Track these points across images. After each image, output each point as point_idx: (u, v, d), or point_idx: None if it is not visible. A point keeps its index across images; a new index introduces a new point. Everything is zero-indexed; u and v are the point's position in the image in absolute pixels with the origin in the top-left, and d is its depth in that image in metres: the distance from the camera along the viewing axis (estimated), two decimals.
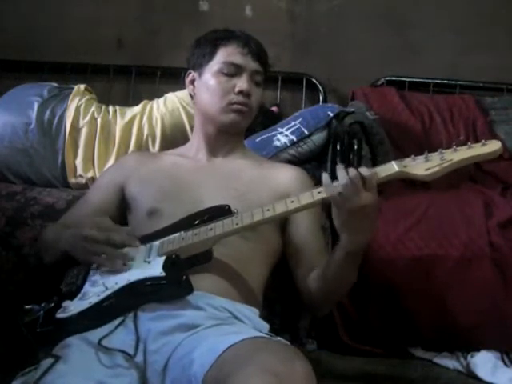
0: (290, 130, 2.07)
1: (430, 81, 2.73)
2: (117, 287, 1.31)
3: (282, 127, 2.11)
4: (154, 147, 2.11)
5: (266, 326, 1.38)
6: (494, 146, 1.20)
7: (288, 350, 1.13)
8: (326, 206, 1.29)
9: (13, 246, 1.78)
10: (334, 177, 1.27)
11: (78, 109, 2.16)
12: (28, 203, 1.86)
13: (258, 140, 2.06)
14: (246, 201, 1.48)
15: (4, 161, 2.12)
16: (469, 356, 1.77)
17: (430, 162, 1.23)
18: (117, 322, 1.28)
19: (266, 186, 1.55)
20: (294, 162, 1.99)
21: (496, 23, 2.77)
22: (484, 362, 1.73)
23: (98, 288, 1.33)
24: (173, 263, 1.34)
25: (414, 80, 2.73)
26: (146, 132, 2.13)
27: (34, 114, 2.14)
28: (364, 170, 1.25)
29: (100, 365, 1.20)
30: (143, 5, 2.82)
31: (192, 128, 1.89)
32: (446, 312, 1.78)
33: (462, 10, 2.77)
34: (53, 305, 1.33)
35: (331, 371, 1.69)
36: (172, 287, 1.31)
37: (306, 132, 2.06)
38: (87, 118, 2.15)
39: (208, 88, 1.58)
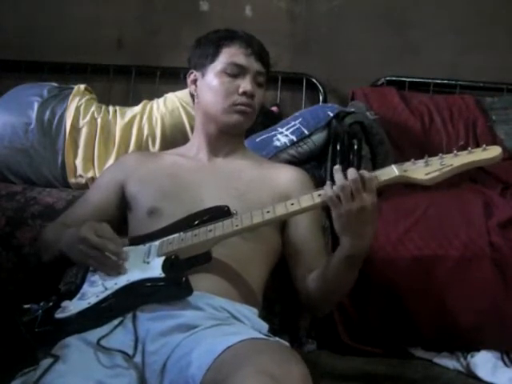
0: (290, 130, 2.07)
1: (430, 81, 2.74)
2: (116, 288, 1.31)
3: (282, 127, 2.11)
4: (154, 147, 2.11)
5: (265, 326, 1.38)
6: (494, 151, 1.20)
7: (285, 352, 1.13)
8: (326, 206, 1.29)
9: (13, 246, 1.78)
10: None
11: (77, 109, 2.17)
12: (28, 203, 1.86)
13: (258, 140, 2.06)
14: (246, 201, 1.48)
15: (4, 161, 2.12)
16: (469, 356, 1.77)
17: (430, 167, 1.23)
18: (116, 322, 1.28)
19: (266, 186, 1.55)
20: (294, 162, 1.99)
21: (496, 23, 2.77)
22: (484, 362, 1.73)
23: (97, 288, 1.33)
24: (172, 264, 1.34)
25: (414, 80, 2.73)
26: (146, 132, 2.13)
27: (34, 114, 2.14)
28: (364, 173, 1.25)
29: (99, 365, 1.20)
30: (143, 5, 2.82)
31: (192, 128, 1.89)
32: (446, 312, 1.78)
33: (462, 9, 2.77)
34: (51, 304, 1.33)
35: (331, 371, 1.70)
36: (171, 288, 1.31)
37: (306, 132, 2.06)
38: (87, 118, 2.15)
39: (211, 88, 1.57)
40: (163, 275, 1.31)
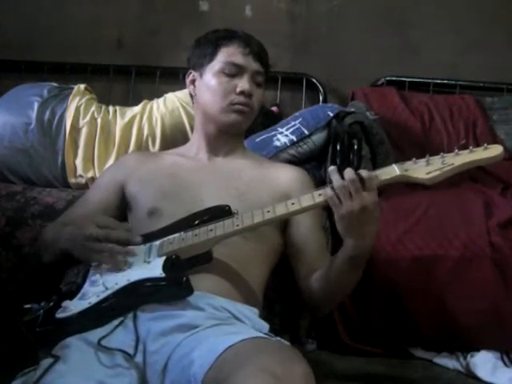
0: (290, 130, 2.07)
1: (429, 81, 2.73)
2: (116, 287, 1.31)
3: (282, 127, 2.11)
4: (154, 147, 2.11)
5: (265, 326, 1.38)
6: (495, 150, 1.20)
7: (287, 351, 1.13)
8: (326, 206, 1.29)
9: (13, 246, 1.78)
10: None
11: (77, 109, 2.17)
12: (28, 203, 1.86)
13: (258, 140, 2.06)
14: (246, 200, 1.48)
15: (4, 161, 2.12)
16: (469, 356, 1.77)
17: (431, 166, 1.23)
18: (116, 322, 1.28)
19: (266, 185, 1.55)
20: (294, 162, 1.99)
21: (496, 23, 2.77)
22: (484, 362, 1.73)
23: (97, 288, 1.33)
24: (173, 264, 1.34)
25: (414, 80, 2.73)
26: (146, 132, 2.13)
27: (34, 114, 2.14)
28: (363, 172, 1.25)
29: (100, 365, 1.20)
30: (143, 5, 2.82)
31: (192, 128, 1.89)
32: (446, 312, 1.78)
33: (462, 9, 2.77)
34: (52, 304, 1.33)
35: (331, 371, 1.69)
36: (172, 288, 1.31)
37: (306, 132, 2.06)
38: (87, 118, 2.15)
39: (209, 88, 1.57)
40: (164, 275, 1.31)
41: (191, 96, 1.66)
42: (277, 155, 2.02)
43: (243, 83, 1.54)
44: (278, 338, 1.25)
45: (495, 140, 2.49)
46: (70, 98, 2.20)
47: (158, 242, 1.40)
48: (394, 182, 1.26)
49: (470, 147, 1.22)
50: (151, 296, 1.31)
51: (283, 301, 1.71)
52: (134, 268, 1.35)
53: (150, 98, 2.27)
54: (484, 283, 1.78)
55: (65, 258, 1.44)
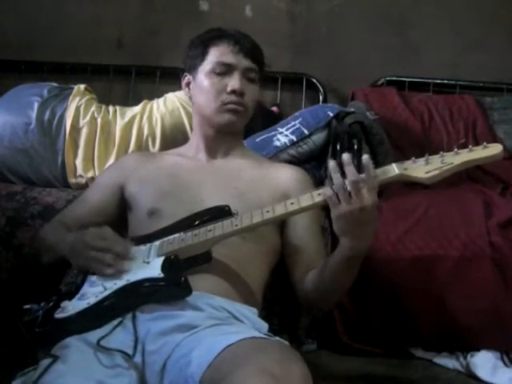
0: (290, 130, 2.07)
1: (430, 81, 2.73)
2: (115, 288, 1.31)
3: (282, 127, 2.11)
4: (154, 147, 2.11)
5: (265, 326, 1.38)
6: (495, 149, 1.20)
7: (286, 351, 1.13)
8: (325, 206, 1.29)
9: (13, 246, 1.78)
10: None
11: (77, 109, 2.17)
12: (28, 203, 1.86)
13: (257, 140, 2.06)
14: (246, 200, 1.48)
15: (4, 161, 2.12)
16: (469, 356, 1.77)
17: (431, 165, 1.22)
18: (115, 322, 1.28)
19: (265, 185, 1.55)
20: (294, 162, 1.99)
21: (496, 23, 2.77)
22: (484, 362, 1.73)
23: (96, 288, 1.33)
24: (172, 264, 1.34)
25: (414, 80, 2.73)
26: (146, 132, 2.13)
27: (34, 114, 2.14)
28: (365, 172, 1.24)
29: (99, 365, 1.20)
30: (143, 5, 2.82)
31: (192, 128, 1.89)
32: (446, 312, 1.78)
33: (462, 9, 2.77)
34: (52, 304, 1.33)
35: (331, 371, 1.69)
36: (170, 288, 1.31)
37: (306, 132, 2.06)
38: (87, 118, 2.15)
39: (202, 89, 1.58)
40: (162, 275, 1.31)
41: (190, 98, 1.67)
42: (277, 155, 2.02)
43: (233, 82, 1.54)
44: (277, 338, 1.25)
45: (495, 140, 2.49)
46: (70, 98, 2.20)
47: (157, 243, 1.40)
48: (393, 181, 1.26)
49: (470, 146, 1.22)
50: (150, 296, 1.31)
51: (283, 301, 1.71)
52: (133, 268, 1.35)
53: (150, 98, 2.27)
54: (484, 283, 1.78)
55: (65, 260, 1.45)
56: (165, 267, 1.33)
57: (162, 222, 1.45)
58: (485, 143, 1.21)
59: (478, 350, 1.77)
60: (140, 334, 1.26)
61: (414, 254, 1.81)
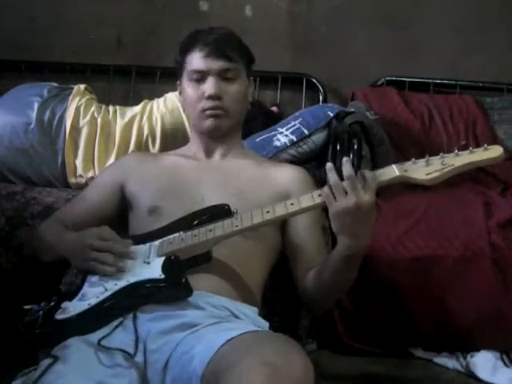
0: (290, 130, 2.07)
1: (430, 81, 2.73)
2: (116, 288, 1.31)
3: (282, 127, 2.11)
4: (154, 147, 2.11)
5: (265, 325, 1.38)
6: (495, 151, 1.20)
7: (286, 343, 1.13)
8: (326, 207, 1.29)
9: (13, 246, 1.78)
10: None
11: (77, 109, 2.16)
12: (28, 203, 1.86)
13: (258, 140, 2.06)
14: (246, 199, 1.48)
15: (4, 161, 2.12)
16: (468, 356, 1.77)
17: (431, 167, 1.22)
18: (116, 322, 1.28)
19: (265, 185, 1.55)
20: (294, 162, 1.99)
21: (496, 23, 2.77)
22: (484, 362, 1.73)
23: (97, 289, 1.33)
24: (172, 264, 1.34)
25: (414, 80, 2.73)
26: (145, 132, 2.13)
27: (33, 114, 2.14)
28: (365, 171, 1.24)
29: (100, 365, 1.20)
30: (143, 5, 2.82)
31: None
32: (446, 312, 1.78)
33: (462, 9, 2.77)
34: (52, 305, 1.33)
35: (331, 371, 1.69)
36: (171, 289, 1.31)
37: (306, 132, 2.06)
38: (87, 118, 2.15)
39: (185, 98, 1.60)
40: (163, 276, 1.31)
41: None
42: (277, 155, 2.02)
43: (207, 87, 1.53)
44: (283, 334, 1.25)
45: (495, 140, 2.49)
46: (70, 97, 2.20)
47: (157, 242, 1.40)
48: (393, 182, 1.26)
49: (470, 148, 1.22)
50: (151, 297, 1.31)
51: (283, 301, 1.71)
52: (134, 269, 1.35)
53: (150, 98, 2.27)
54: (484, 283, 1.78)
55: (64, 259, 1.45)
56: (165, 268, 1.33)
57: (162, 221, 1.45)
58: (485, 145, 1.21)
59: (478, 350, 1.78)
60: (141, 334, 1.26)
61: (414, 254, 1.81)
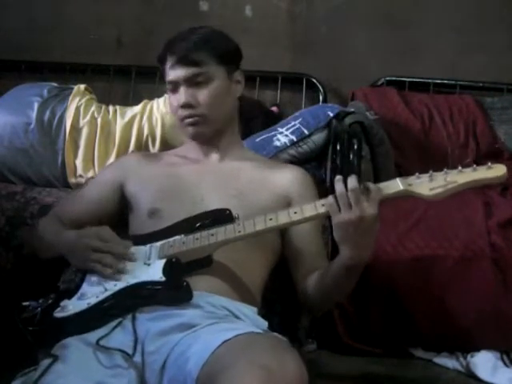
0: (290, 130, 2.07)
1: (430, 81, 2.73)
2: (116, 289, 1.31)
3: (282, 127, 2.11)
4: (154, 147, 2.11)
5: (265, 324, 1.38)
6: (499, 170, 1.20)
7: (279, 344, 1.13)
8: (328, 216, 1.29)
9: (13, 246, 1.78)
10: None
11: (78, 109, 2.17)
12: (28, 203, 1.86)
13: (257, 140, 2.06)
14: (246, 201, 1.47)
15: (4, 161, 2.12)
16: (469, 356, 1.77)
17: (435, 182, 1.22)
18: (114, 323, 1.28)
19: (265, 187, 1.55)
20: (294, 162, 1.99)
21: (496, 23, 2.77)
22: (484, 362, 1.73)
23: (96, 288, 1.33)
24: (173, 267, 1.33)
25: (414, 80, 2.73)
26: (145, 132, 2.13)
27: (33, 114, 2.14)
28: (369, 184, 1.25)
29: (99, 365, 1.20)
30: (143, 5, 2.82)
31: None
32: (446, 312, 1.78)
33: (462, 9, 2.77)
34: (50, 302, 1.33)
35: (331, 371, 1.69)
36: (171, 292, 1.31)
37: (306, 132, 2.06)
38: (87, 118, 2.15)
39: (169, 107, 1.62)
40: (164, 279, 1.31)
41: None
42: (277, 155, 2.02)
43: (178, 97, 1.53)
44: (276, 334, 1.25)
45: (495, 140, 2.50)
46: (70, 97, 2.20)
47: (158, 244, 1.40)
48: (397, 196, 1.26)
49: (474, 165, 1.22)
50: (151, 298, 1.31)
51: (283, 301, 1.71)
52: (134, 270, 1.35)
53: (150, 98, 2.27)
54: (484, 283, 1.78)
55: (63, 257, 1.45)
56: (166, 270, 1.32)
57: (162, 223, 1.45)
58: (489, 163, 1.21)
59: (478, 350, 1.77)
60: (139, 334, 1.26)
61: (414, 254, 1.81)
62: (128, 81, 2.73)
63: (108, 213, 1.57)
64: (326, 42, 2.80)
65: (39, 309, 1.31)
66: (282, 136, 2.06)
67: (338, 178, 1.27)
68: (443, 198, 1.23)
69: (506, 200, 2.05)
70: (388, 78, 2.71)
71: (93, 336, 1.25)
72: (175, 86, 1.53)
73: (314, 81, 2.70)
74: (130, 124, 2.15)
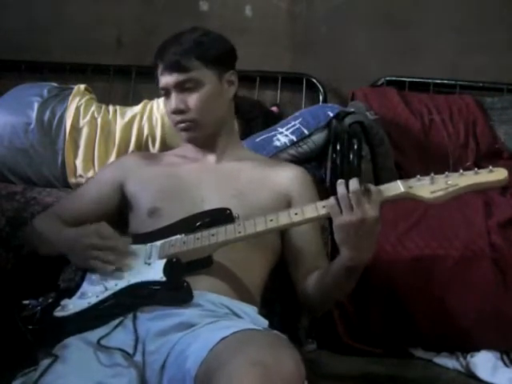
0: (290, 130, 2.07)
1: (430, 81, 2.73)
2: (116, 288, 1.32)
3: (282, 127, 2.11)
4: (154, 147, 2.11)
5: (265, 323, 1.38)
6: (500, 174, 1.20)
7: (277, 341, 1.13)
8: (329, 217, 1.29)
9: (13, 247, 1.78)
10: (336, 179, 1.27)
11: (78, 109, 2.16)
12: (28, 203, 1.86)
13: (258, 140, 2.06)
14: (246, 201, 1.48)
15: (4, 161, 2.12)
16: (468, 356, 1.77)
17: (436, 185, 1.23)
18: (115, 322, 1.29)
19: (265, 186, 1.55)
20: (294, 162, 1.99)
21: (496, 23, 2.77)
22: (484, 362, 1.73)
23: (97, 288, 1.33)
24: (173, 267, 1.33)
25: (414, 80, 2.73)
26: (145, 132, 2.13)
27: (33, 114, 2.14)
28: (370, 186, 1.25)
29: (99, 364, 1.20)
30: (143, 5, 2.82)
31: None
32: (446, 312, 1.78)
33: (462, 10, 2.77)
34: (50, 301, 1.33)
35: (331, 371, 1.70)
36: (172, 292, 1.31)
37: (306, 132, 2.06)
38: (87, 118, 2.15)
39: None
40: (164, 279, 1.31)
41: None
42: (277, 155, 2.02)
43: (170, 103, 1.53)
44: (275, 331, 1.25)
45: (495, 140, 2.50)
46: (70, 97, 2.20)
47: (158, 243, 1.40)
48: (397, 198, 1.26)
49: (475, 169, 1.22)
50: (151, 298, 1.31)
51: (283, 301, 1.72)
52: (135, 269, 1.35)
53: (150, 98, 2.27)
54: (484, 283, 1.78)
55: (63, 255, 1.45)
56: (167, 270, 1.33)
57: (162, 222, 1.45)
58: (490, 167, 1.21)
59: (478, 350, 1.77)
60: (140, 334, 1.26)
61: (414, 254, 1.81)
62: (128, 81, 2.73)
63: (107, 212, 1.58)
64: (326, 41, 2.80)
65: (39, 307, 1.32)
66: (282, 136, 2.06)
67: (340, 181, 1.27)
68: (444, 202, 1.23)
69: (506, 200, 2.05)
70: (388, 78, 2.71)
71: (94, 335, 1.25)
72: (166, 92, 1.54)
73: (314, 81, 2.70)
74: (129, 124, 2.15)
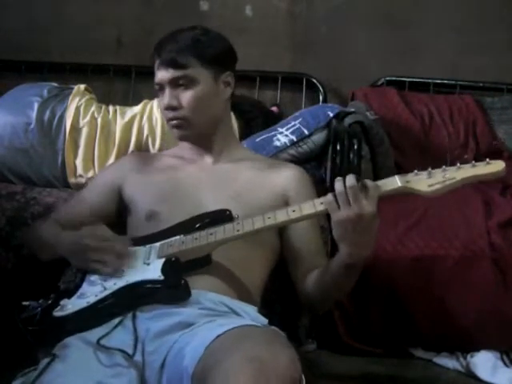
0: (290, 130, 2.07)
1: (430, 81, 2.73)
2: (115, 288, 1.32)
3: (282, 127, 2.11)
4: (154, 147, 2.11)
5: (265, 321, 1.38)
6: (497, 166, 1.20)
7: (273, 337, 1.14)
8: (327, 214, 1.29)
9: (13, 247, 1.78)
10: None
11: (77, 109, 2.16)
12: (28, 203, 1.86)
13: (257, 140, 2.06)
14: (244, 202, 1.48)
15: (4, 161, 2.12)
16: (468, 356, 1.77)
17: (433, 179, 1.23)
18: (115, 321, 1.29)
19: (263, 187, 1.55)
20: (294, 162, 1.99)
21: (496, 23, 2.77)
22: (484, 362, 1.73)
23: (96, 288, 1.33)
24: (172, 266, 1.34)
25: (414, 80, 2.73)
26: (145, 132, 2.13)
27: (33, 114, 2.14)
28: (366, 181, 1.25)
29: (99, 364, 1.20)
30: (143, 5, 2.82)
31: None
32: (446, 312, 1.78)
33: (462, 9, 2.77)
34: (50, 302, 1.33)
35: (331, 371, 1.70)
36: (170, 291, 1.31)
37: (306, 132, 2.06)
38: (87, 118, 2.15)
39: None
40: (162, 277, 1.31)
41: None
42: (277, 155, 2.02)
43: (163, 99, 1.54)
44: (273, 328, 1.25)
45: (495, 140, 2.50)
46: (70, 97, 2.20)
47: (157, 244, 1.40)
48: (395, 193, 1.27)
49: (473, 162, 1.22)
50: (150, 297, 1.32)
51: (283, 301, 1.71)
52: (133, 269, 1.35)
53: (150, 98, 2.27)
54: (484, 283, 1.78)
55: (63, 258, 1.45)
56: (165, 269, 1.33)
57: (160, 225, 1.45)
58: (487, 159, 1.21)
59: (478, 350, 1.78)
60: (140, 334, 1.26)
61: (414, 254, 1.81)
62: (128, 81, 2.73)
63: (109, 213, 1.58)
64: (326, 41, 2.80)
65: (39, 309, 1.32)
66: (282, 136, 2.06)
67: (338, 178, 1.27)
68: (442, 195, 1.23)
69: (506, 200, 2.05)
70: (388, 78, 2.71)
71: (93, 335, 1.25)
72: (161, 87, 1.54)
73: (314, 81, 2.70)
74: (129, 124, 2.15)
